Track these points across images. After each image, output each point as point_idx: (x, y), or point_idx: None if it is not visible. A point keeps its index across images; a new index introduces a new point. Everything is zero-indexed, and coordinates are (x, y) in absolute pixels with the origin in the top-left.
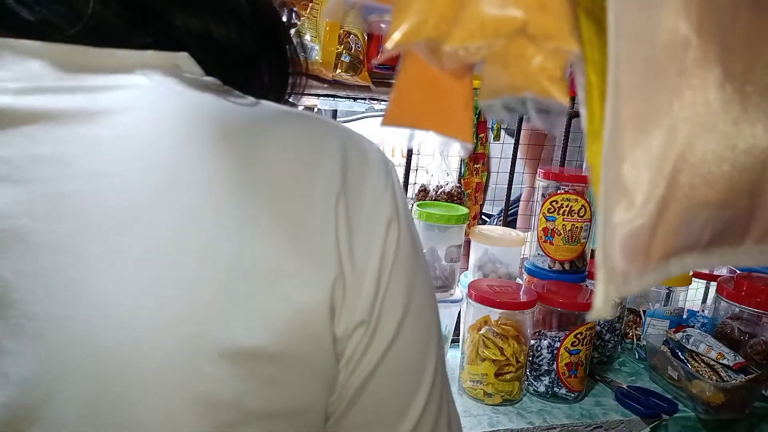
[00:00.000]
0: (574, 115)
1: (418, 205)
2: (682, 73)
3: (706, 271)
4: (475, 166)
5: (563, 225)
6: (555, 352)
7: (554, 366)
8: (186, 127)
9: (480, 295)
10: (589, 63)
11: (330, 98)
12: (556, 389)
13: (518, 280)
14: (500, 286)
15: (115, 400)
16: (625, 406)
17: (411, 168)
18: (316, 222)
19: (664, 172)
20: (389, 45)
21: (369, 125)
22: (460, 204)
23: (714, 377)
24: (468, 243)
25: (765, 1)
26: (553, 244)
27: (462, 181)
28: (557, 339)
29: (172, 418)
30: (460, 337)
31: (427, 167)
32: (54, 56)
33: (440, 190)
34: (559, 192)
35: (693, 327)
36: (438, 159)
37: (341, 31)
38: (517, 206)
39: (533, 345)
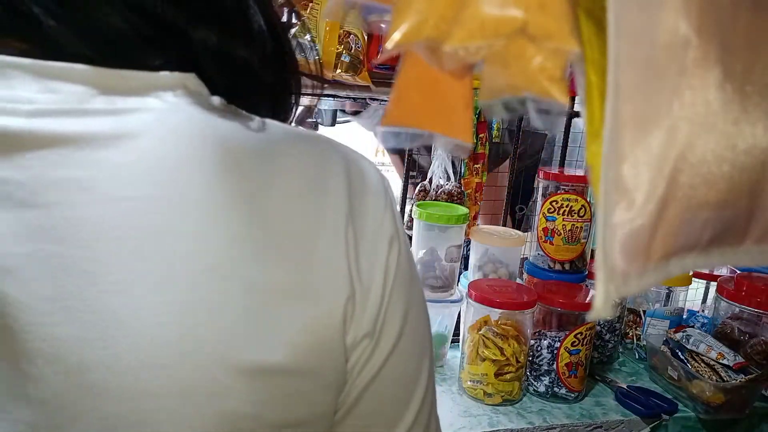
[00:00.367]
0: (574, 115)
1: (418, 205)
2: (682, 73)
3: (706, 271)
4: (475, 166)
5: (563, 225)
6: (555, 352)
7: (554, 366)
8: (202, 151)
9: (480, 295)
10: (589, 63)
11: (330, 98)
12: (556, 389)
13: (518, 280)
14: (500, 286)
15: (142, 418)
16: (625, 406)
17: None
18: (328, 244)
19: (664, 172)
20: (389, 45)
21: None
22: (460, 204)
23: (714, 377)
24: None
25: (765, 1)
26: (553, 244)
27: (462, 181)
28: (557, 339)
29: None
30: (460, 337)
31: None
32: (69, 78)
33: (440, 190)
34: (559, 192)
35: (693, 327)
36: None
37: (341, 31)
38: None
39: (533, 345)
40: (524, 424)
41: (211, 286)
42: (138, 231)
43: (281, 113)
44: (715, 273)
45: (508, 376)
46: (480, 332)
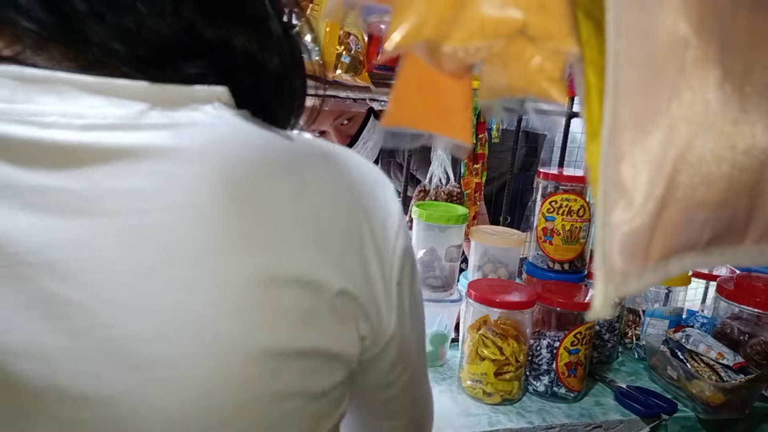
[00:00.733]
0: (573, 115)
1: (417, 206)
2: (681, 73)
3: (706, 271)
4: (475, 166)
5: (562, 225)
6: (554, 351)
7: (554, 365)
8: (249, 161)
9: (479, 294)
10: (588, 63)
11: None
12: (555, 389)
13: (517, 280)
14: (500, 286)
15: (200, 413)
16: (625, 405)
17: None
18: (355, 248)
19: (663, 172)
20: (389, 46)
21: None
22: (459, 204)
23: (714, 377)
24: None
25: (765, 1)
26: (552, 244)
27: (462, 181)
28: (557, 339)
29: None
30: (460, 337)
31: None
32: (115, 93)
33: (440, 189)
34: (558, 192)
35: (692, 327)
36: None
37: (341, 31)
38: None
39: (533, 345)
40: (524, 423)
41: (261, 289)
42: (193, 238)
43: (294, 119)
44: (715, 273)
45: (507, 376)
46: (479, 332)
